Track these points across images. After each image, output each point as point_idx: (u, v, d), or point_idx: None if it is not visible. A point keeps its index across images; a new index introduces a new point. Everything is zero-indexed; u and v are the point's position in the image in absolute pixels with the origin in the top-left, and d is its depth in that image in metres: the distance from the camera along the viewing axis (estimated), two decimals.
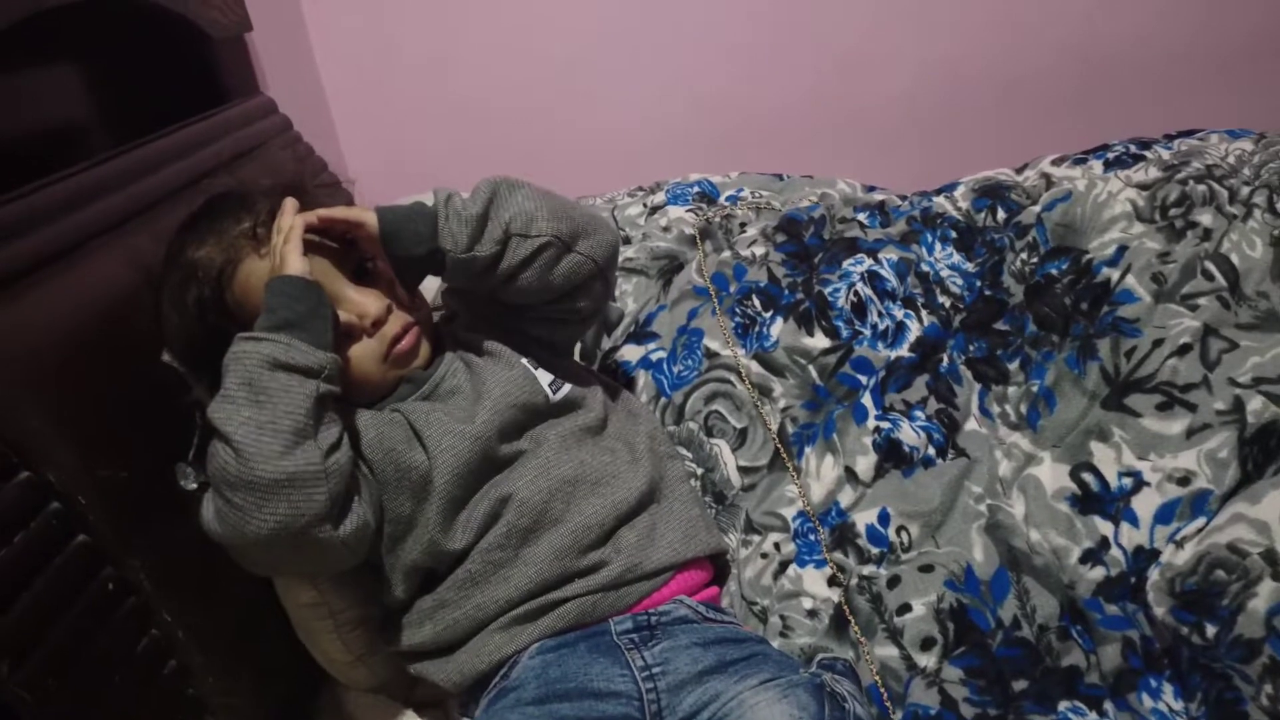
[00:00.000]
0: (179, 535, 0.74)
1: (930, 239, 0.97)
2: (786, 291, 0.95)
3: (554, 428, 0.78)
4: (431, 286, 0.99)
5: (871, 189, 1.12)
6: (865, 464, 0.85)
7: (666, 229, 1.08)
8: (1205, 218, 0.86)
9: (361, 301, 0.74)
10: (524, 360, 0.79)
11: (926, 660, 0.74)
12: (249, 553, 0.66)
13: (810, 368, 0.90)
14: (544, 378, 0.79)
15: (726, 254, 1.01)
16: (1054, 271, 0.90)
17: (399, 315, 0.76)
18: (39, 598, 0.62)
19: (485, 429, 0.73)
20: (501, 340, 0.79)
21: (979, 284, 0.94)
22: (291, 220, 0.71)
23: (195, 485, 0.78)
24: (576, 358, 0.97)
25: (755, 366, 0.92)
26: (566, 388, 0.80)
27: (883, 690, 0.73)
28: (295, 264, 0.69)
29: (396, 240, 0.72)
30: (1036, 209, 0.94)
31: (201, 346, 0.73)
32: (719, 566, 0.84)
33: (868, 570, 0.80)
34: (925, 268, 0.95)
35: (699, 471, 0.90)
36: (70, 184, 0.82)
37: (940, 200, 1.02)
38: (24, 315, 0.70)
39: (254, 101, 1.19)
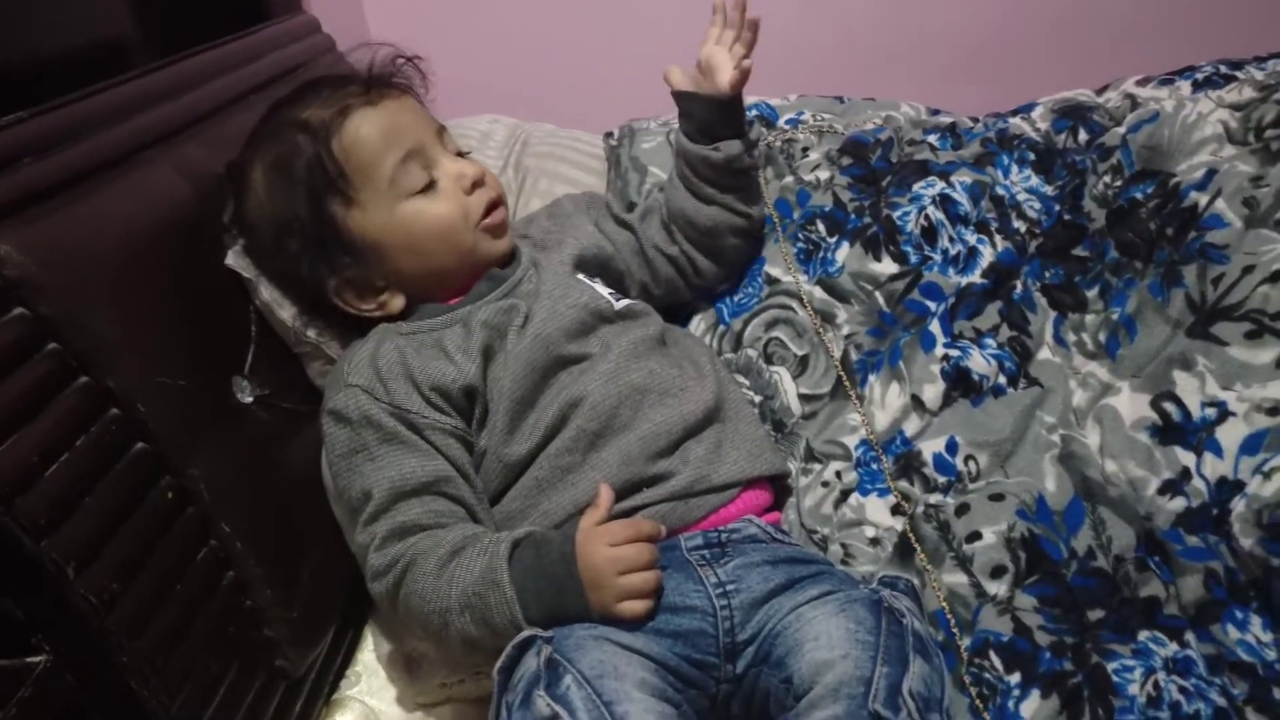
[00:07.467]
0: (237, 447, 0.74)
1: (1007, 161, 0.92)
2: (853, 216, 0.91)
3: (623, 334, 0.78)
4: None
5: (936, 112, 1.07)
6: (933, 392, 0.82)
7: None
8: None
9: (458, 165, 0.77)
10: (579, 274, 0.81)
11: (997, 588, 0.72)
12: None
13: (877, 294, 0.87)
14: (602, 289, 0.80)
15: (789, 179, 0.97)
16: (1139, 196, 0.85)
17: (492, 186, 0.78)
18: (100, 503, 0.62)
19: (549, 328, 0.74)
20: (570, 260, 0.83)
21: (1058, 208, 0.90)
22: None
23: (251, 399, 0.77)
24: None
25: (818, 292, 0.89)
26: (626, 300, 0.81)
27: (950, 617, 0.71)
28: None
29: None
30: (1121, 130, 0.89)
31: (290, 220, 0.73)
32: (778, 492, 0.82)
33: (934, 499, 0.77)
34: (1000, 191, 0.91)
35: (757, 399, 0.87)
36: (118, 93, 0.80)
37: (1017, 121, 0.97)
38: (81, 221, 0.68)
39: (298, 19, 1.16)
